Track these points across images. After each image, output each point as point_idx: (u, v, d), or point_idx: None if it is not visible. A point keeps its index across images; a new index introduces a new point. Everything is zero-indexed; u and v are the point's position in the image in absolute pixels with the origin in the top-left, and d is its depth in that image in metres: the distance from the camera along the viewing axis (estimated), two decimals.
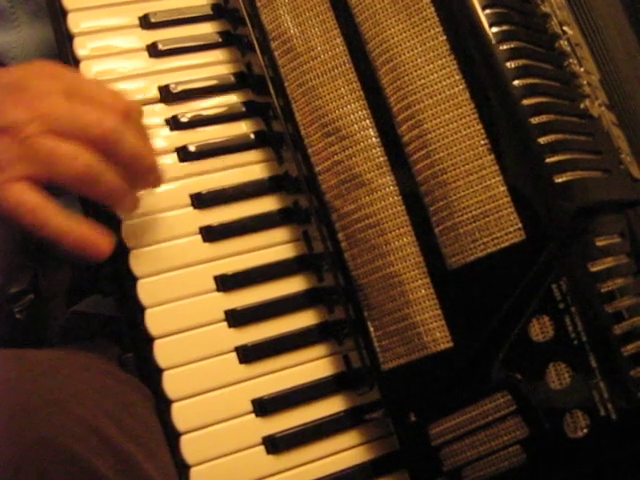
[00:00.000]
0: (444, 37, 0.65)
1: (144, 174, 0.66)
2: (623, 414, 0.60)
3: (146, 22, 0.75)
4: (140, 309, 0.68)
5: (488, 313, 0.63)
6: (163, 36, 0.75)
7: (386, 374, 0.66)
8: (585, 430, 0.61)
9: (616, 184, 0.66)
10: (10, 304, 0.78)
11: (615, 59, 0.77)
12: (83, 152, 0.62)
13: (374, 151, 0.67)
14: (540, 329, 0.62)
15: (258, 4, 0.71)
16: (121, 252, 0.68)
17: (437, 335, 0.64)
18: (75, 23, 0.73)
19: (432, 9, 0.65)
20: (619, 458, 0.62)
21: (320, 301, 0.71)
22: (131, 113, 0.64)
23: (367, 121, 0.67)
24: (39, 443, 0.55)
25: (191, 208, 0.71)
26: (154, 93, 0.73)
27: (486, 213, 0.63)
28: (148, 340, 0.67)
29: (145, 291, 0.68)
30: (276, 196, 0.73)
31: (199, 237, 0.70)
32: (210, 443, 0.67)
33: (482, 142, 0.63)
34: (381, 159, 0.67)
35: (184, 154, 0.72)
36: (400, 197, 0.66)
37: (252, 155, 0.74)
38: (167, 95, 0.73)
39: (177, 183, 0.71)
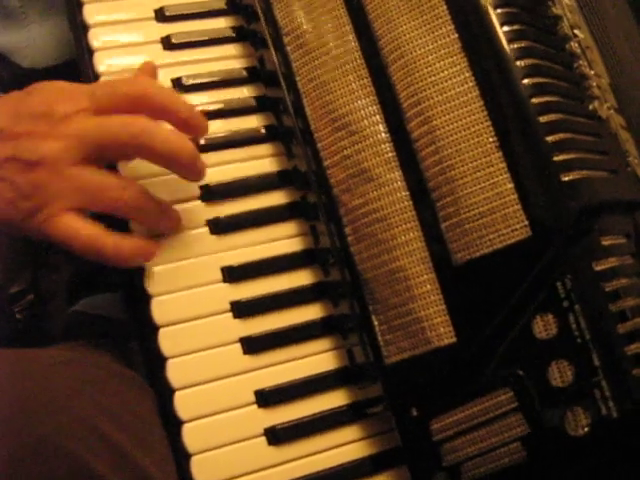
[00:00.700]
0: (455, 35, 0.66)
1: (187, 164, 0.67)
2: (624, 413, 0.60)
3: (161, 15, 0.76)
4: (146, 298, 0.68)
5: (492, 309, 0.64)
6: (177, 29, 0.75)
7: (389, 368, 0.66)
8: (586, 428, 0.61)
9: (622, 185, 0.67)
10: (10, 304, 0.79)
11: (624, 64, 0.77)
12: (130, 183, 0.66)
13: (383, 146, 0.67)
14: (543, 326, 0.62)
15: (272, 0, 0.72)
16: None
17: (441, 330, 0.65)
18: (91, 15, 0.74)
19: (444, 7, 0.66)
20: (619, 457, 0.62)
21: (325, 295, 0.71)
22: (150, 91, 0.66)
23: (377, 117, 0.68)
24: (38, 443, 0.55)
25: (199, 201, 0.72)
26: (167, 85, 0.74)
27: (493, 210, 0.63)
28: (153, 328, 0.68)
29: (152, 281, 0.69)
30: (284, 190, 0.73)
31: (207, 230, 0.71)
32: (211, 432, 0.67)
33: (490, 139, 0.64)
34: (390, 154, 0.67)
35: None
36: (408, 192, 0.66)
37: (262, 149, 0.74)
38: (179, 87, 0.74)
39: None
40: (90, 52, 0.73)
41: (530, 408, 0.62)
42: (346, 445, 0.69)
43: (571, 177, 0.63)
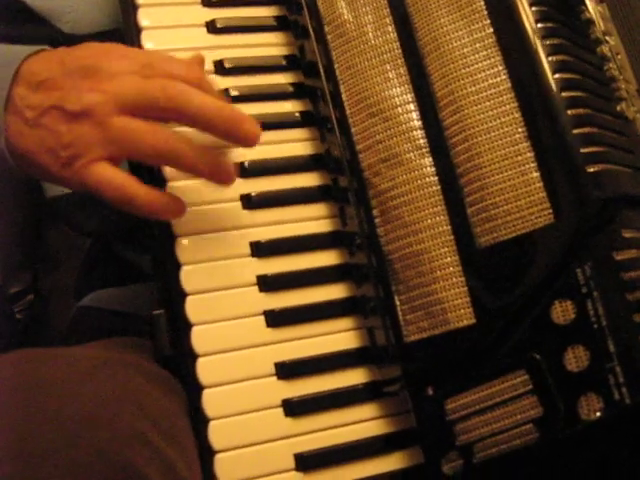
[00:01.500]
0: (491, 30, 0.68)
1: (228, 129, 0.67)
2: (637, 399, 0.62)
3: (207, 0, 0.79)
4: (176, 266, 0.70)
5: (512, 293, 0.65)
6: (222, 15, 0.78)
7: (408, 346, 0.68)
8: (598, 413, 0.62)
9: None
10: (10, 304, 0.81)
11: None
12: (160, 128, 0.66)
13: (415, 133, 0.70)
14: (562, 312, 0.64)
15: None
16: None
17: (461, 312, 0.66)
18: None
19: (482, 3, 0.69)
20: (630, 442, 0.63)
21: (349, 276, 0.73)
22: (202, 83, 0.68)
23: (411, 105, 0.70)
24: (99, 454, 0.55)
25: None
26: (209, 66, 0.76)
27: (518, 196, 0.65)
28: (181, 295, 0.70)
29: (182, 249, 0.71)
30: (316, 173, 0.76)
31: (239, 204, 0.73)
32: (230, 400, 0.68)
33: (519, 130, 0.66)
34: (421, 141, 0.69)
35: None
36: (436, 178, 0.68)
37: (296, 133, 0.76)
38: (220, 69, 0.76)
39: None
40: (138, 30, 0.76)
41: (545, 391, 0.64)
42: (361, 423, 0.71)
43: (596, 169, 0.65)
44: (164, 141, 0.65)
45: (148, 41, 0.75)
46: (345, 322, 0.73)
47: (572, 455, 0.65)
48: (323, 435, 0.70)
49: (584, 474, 0.69)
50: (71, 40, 0.74)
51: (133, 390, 0.62)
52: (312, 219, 0.74)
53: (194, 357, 0.68)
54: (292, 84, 0.78)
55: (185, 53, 0.76)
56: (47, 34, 0.70)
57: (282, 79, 0.78)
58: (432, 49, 0.70)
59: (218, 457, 0.67)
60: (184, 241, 0.71)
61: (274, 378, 0.70)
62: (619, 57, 0.74)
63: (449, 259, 0.67)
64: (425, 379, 0.67)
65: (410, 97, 0.70)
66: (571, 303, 0.64)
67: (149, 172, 0.71)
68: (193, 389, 0.68)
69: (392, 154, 0.70)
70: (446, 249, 0.67)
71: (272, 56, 0.79)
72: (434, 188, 0.68)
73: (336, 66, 0.73)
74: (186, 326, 0.69)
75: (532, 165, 0.65)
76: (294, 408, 0.69)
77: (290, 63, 0.79)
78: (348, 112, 0.72)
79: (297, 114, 0.77)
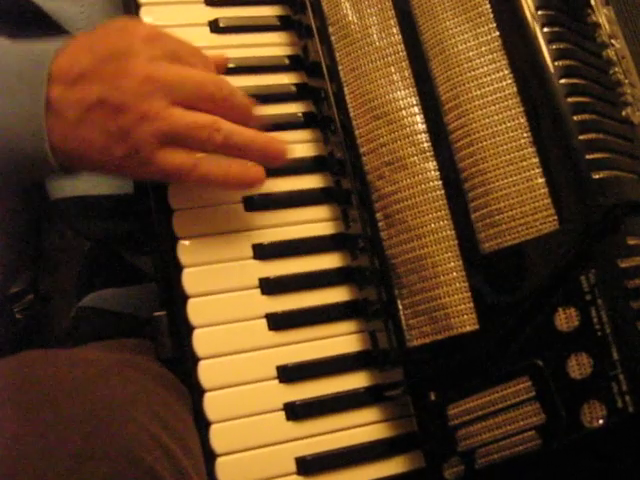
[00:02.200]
0: (497, 33, 0.68)
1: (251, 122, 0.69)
2: None
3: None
4: (178, 268, 0.70)
5: (516, 300, 0.65)
6: (225, 14, 0.78)
7: (410, 351, 0.68)
8: (601, 421, 0.62)
9: None
10: (10, 304, 0.80)
11: None
12: (218, 120, 0.66)
13: (419, 136, 0.69)
14: (565, 319, 0.64)
15: None
16: (164, 210, 0.71)
17: (464, 317, 0.66)
18: None
19: (487, 6, 0.68)
20: (633, 451, 0.63)
21: (352, 279, 0.73)
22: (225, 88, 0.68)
23: (415, 107, 0.70)
24: (121, 457, 0.55)
25: None
26: None
27: (523, 202, 0.65)
28: (182, 298, 0.69)
29: (185, 253, 0.70)
30: (319, 175, 0.75)
31: (241, 206, 0.73)
32: (232, 403, 0.68)
33: (525, 135, 0.66)
34: (425, 144, 0.69)
35: None
36: (440, 182, 0.68)
37: (299, 134, 0.76)
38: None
39: None
40: None
41: (547, 398, 0.64)
42: (362, 426, 0.71)
43: (601, 175, 0.64)
44: (223, 135, 0.65)
45: None
46: (347, 325, 0.72)
47: (574, 462, 0.65)
48: (324, 439, 0.70)
49: None
50: None
51: (145, 393, 0.62)
52: (315, 221, 0.74)
53: (196, 360, 0.68)
54: (295, 84, 0.78)
55: None
56: (59, 39, 0.68)
57: (285, 79, 0.78)
58: (437, 52, 0.69)
59: (219, 461, 0.67)
60: (186, 243, 0.70)
61: (276, 381, 0.70)
62: (624, 60, 0.73)
63: (452, 264, 0.67)
64: (427, 384, 0.67)
65: (414, 100, 0.70)
66: (575, 310, 0.64)
67: None
68: (194, 392, 0.68)
69: (396, 157, 0.69)
70: (450, 254, 0.67)
71: (275, 56, 0.78)
72: (438, 192, 0.68)
73: (340, 67, 0.73)
74: (188, 329, 0.69)
75: (537, 171, 0.65)
76: (296, 412, 0.69)
77: (293, 63, 0.78)
78: (352, 114, 0.72)
79: (300, 115, 0.77)
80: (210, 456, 0.67)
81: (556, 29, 0.67)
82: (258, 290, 0.71)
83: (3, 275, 0.78)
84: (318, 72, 0.75)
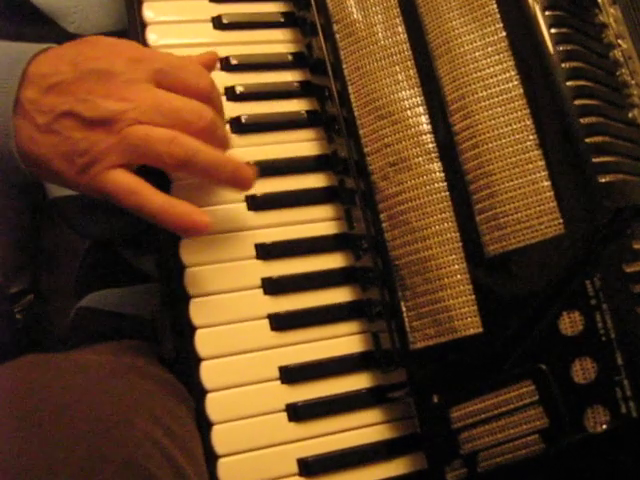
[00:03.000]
0: (504, 34, 0.67)
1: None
2: None
3: None
4: (180, 268, 0.69)
5: (520, 303, 0.65)
6: (228, 10, 0.77)
7: (414, 354, 0.67)
8: (605, 426, 0.62)
9: None
10: (10, 304, 0.80)
11: None
12: (178, 134, 0.65)
13: (424, 137, 0.69)
14: (570, 323, 0.63)
15: None
16: None
17: (468, 320, 0.66)
18: None
19: (494, 6, 0.68)
20: (636, 456, 0.63)
21: (355, 280, 0.72)
22: (212, 95, 0.67)
23: (420, 108, 0.69)
24: (124, 466, 0.54)
25: None
26: None
27: (528, 205, 0.65)
28: (185, 298, 0.69)
29: (188, 252, 0.70)
30: (322, 174, 0.75)
31: (244, 205, 0.72)
32: (234, 404, 0.68)
33: (531, 137, 0.65)
34: (430, 145, 0.68)
35: (236, 126, 0.74)
36: (445, 183, 0.68)
37: (302, 133, 0.76)
38: (226, 66, 0.75)
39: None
40: (143, 25, 0.74)
41: (551, 402, 0.63)
42: (365, 428, 0.70)
43: (608, 179, 0.64)
44: (184, 150, 0.64)
45: (152, 36, 0.74)
46: (350, 326, 0.72)
47: (577, 467, 0.65)
48: (326, 440, 0.69)
49: None
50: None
51: (145, 397, 0.62)
52: (318, 221, 0.74)
53: (197, 361, 0.68)
54: (299, 82, 0.77)
55: (190, 49, 0.75)
56: (52, 34, 0.68)
57: (289, 77, 0.77)
58: (443, 52, 0.69)
59: (221, 461, 0.66)
60: (188, 243, 0.70)
61: (278, 382, 0.69)
62: (631, 61, 0.73)
63: (457, 266, 0.67)
64: (430, 387, 0.67)
65: (420, 100, 0.69)
66: (580, 314, 0.63)
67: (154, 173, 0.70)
68: (197, 393, 0.68)
69: (400, 158, 0.69)
70: (454, 256, 0.67)
71: (279, 53, 0.77)
72: (443, 194, 0.68)
73: (344, 66, 0.72)
74: (190, 329, 0.68)
75: (543, 174, 0.65)
76: (298, 413, 0.69)
77: (297, 61, 0.77)
78: (356, 113, 0.71)
79: (304, 113, 0.76)
80: (212, 457, 0.66)
81: (563, 30, 0.67)
82: (260, 290, 0.71)
83: (3, 275, 0.77)
84: (322, 70, 0.74)
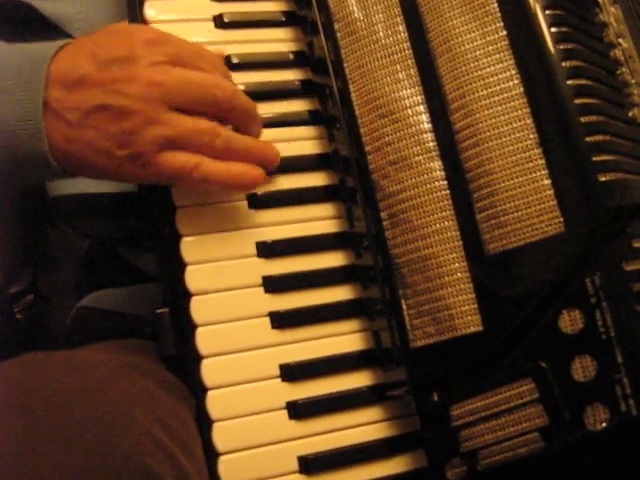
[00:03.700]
0: (504, 32, 0.67)
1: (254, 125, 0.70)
2: None
3: None
4: (181, 266, 0.70)
5: (520, 301, 0.65)
6: (230, 9, 0.77)
7: (414, 352, 0.67)
8: (604, 424, 0.62)
9: None
10: (10, 304, 0.80)
11: None
12: (217, 127, 0.66)
13: (425, 136, 0.69)
14: (570, 321, 0.64)
15: None
16: (168, 207, 0.70)
17: (468, 318, 0.66)
18: None
19: (495, 5, 0.68)
20: (636, 454, 0.63)
21: (355, 278, 0.73)
22: (228, 74, 0.68)
23: (421, 106, 0.69)
24: (124, 463, 0.55)
25: None
26: None
27: (528, 204, 0.65)
28: (186, 295, 0.69)
29: (189, 250, 0.70)
30: (323, 172, 0.75)
31: (245, 203, 0.72)
32: (235, 401, 0.68)
33: (531, 136, 0.65)
34: (431, 144, 0.69)
35: None
36: (445, 182, 0.68)
37: (303, 131, 0.75)
38: (228, 65, 0.75)
39: None
40: (144, 23, 0.74)
41: (551, 400, 0.64)
42: (365, 425, 0.71)
43: (608, 178, 0.64)
44: (224, 140, 0.66)
45: None
46: (350, 324, 0.72)
47: (577, 465, 0.65)
48: (327, 438, 0.70)
49: None
50: None
51: (145, 394, 0.62)
52: (319, 219, 0.74)
53: (199, 358, 0.68)
54: (300, 81, 0.77)
55: None
56: (57, 40, 0.68)
57: (290, 75, 0.77)
58: (444, 50, 0.69)
59: (222, 459, 0.67)
60: (189, 240, 0.70)
61: (279, 380, 0.70)
62: (631, 60, 0.73)
63: (457, 265, 0.67)
64: (431, 385, 0.67)
65: (420, 99, 0.69)
66: (579, 313, 0.63)
67: None
68: (197, 391, 0.68)
69: (401, 157, 0.69)
70: (454, 255, 0.67)
71: (280, 52, 0.77)
72: (443, 192, 0.68)
73: (345, 65, 0.72)
74: (191, 327, 0.69)
75: (543, 172, 0.65)
76: (298, 410, 0.69)
77: (298, 59, 0.77)
78: (357, 112, 0.71)
79: (305, 112, 0.76)
80: (212, 455, 0.67)
81: (564, 29, 0.67)
82: (261, 288, 0.71)
83: (3, 275, 0.77)
84: (323, 69, 0.74)
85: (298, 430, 0.69)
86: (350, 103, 0.71)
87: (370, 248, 0.70)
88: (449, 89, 0.68)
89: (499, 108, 0.66)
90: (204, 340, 0.68)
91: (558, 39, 0.66)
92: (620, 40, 0.72)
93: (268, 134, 0.74)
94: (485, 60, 0.67)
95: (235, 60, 0.76)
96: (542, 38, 0.67)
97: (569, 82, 0.66)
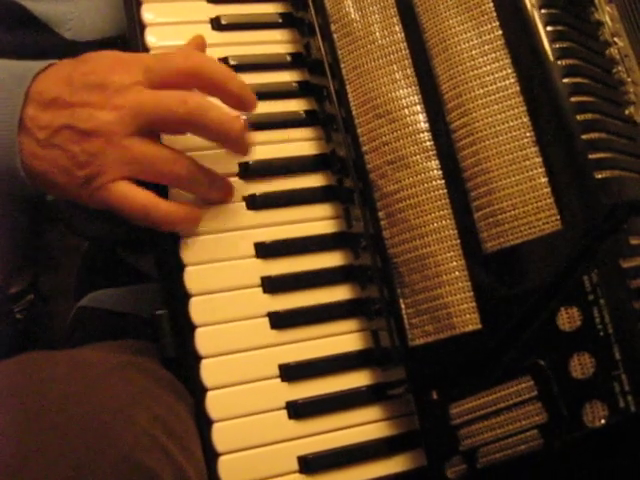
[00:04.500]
0: (500, 32, 0.67)
1: (236, 141, 0.70)
2: None
3: None
4: (180, 266, 0.70)
5: (518, 299, 0.65)
6: (227, 11, 0.77)
7: (413, 351, 0.68)
8: (603, 420, 0.62)
9: None
10: (10, 304, 0.80)
11: None
12: (181, 156, 0.67)
13: (422, 135, 0.69)
14: (568, 318, 0.64)
15: None
16: None
17: (467, 316, 0.66)
18: None
19: (490, 4, 0.68)
20: (635, 450, 0.63)
21: (354, 278, 0.73)
22: (203, 65, 0.68)
23: (418, 106, 0.69)
24: (122, 461, 0.55)
25: (237, 178, 0.73)
26: None
27: (525, 202, 0.65)
28: (185, 296, 0.69)
29: (187, 250, 0.70)
30: (321, 173, 0.75)
31: (243, 204, 0.73)
32: (234, 402, 0.68)
33: (528, 134, 0.66)
34: (428, 143, 0.69)
35: None
36: (443, 181, 0.68)
37: (301, 132, 0.76)
38: None
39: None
40: (142, 27, 0.75)
41: (549, 398, 0.64)
42: (365, 425, 0.71)
43: (604, 175, 0.64)
44: (182, 169, 0.67)
45: (151, 38, 0.74)
46: (349, 324, 0.72)
47: (576, 462, 0.65)
48: (327, 437, 0.70)
49: None
50: (73, 47, 0.74)
51: (144, 393, 0.62)
52: (317, 220, 0.74)
53: (198, 359, 0.68)
54: (297, 82, 0.77)
55: None
56: (49, 41, 0.69)
57: (287, 77, 0.78)
58: (440, 50, 0.69)
59: (222, 459, 0.67)
60: (188, 241, 0.70)
61: (278, 380, 0.70)
62: (627, 59, 0.73)
63: (455, 263, 0.67)
64: (429, 383, 0.67)
65: (417, 99, 0.70)
66: (577, 310, 0.64)
67: None
68: (197, 391, 0.68)
69: (398, 156, 0.69)
70: (452, 253, 0.67)
71: (277, 54, 0.78)
72: (440, 192, 0.68)
73: (342, 65, 0.72)
74: (190, 327, 0.69)
75: (540, 170, 0.65)
76: (298, 410, 0.69)
77: (295, 61, 0.78)
78: (354, 112, 0.71)
79: (302, 113, 0.76)
80: (212, 455, 0.67)
81: (559, 28, 0.67)
82: (260, 289, 0.71)
83: (3, 275, 0.78)
84: (320, 70, 0.74)
85: (298, 430, 0.69)
86: (347, 104, 0.72)
87: (368, 248, 0.70)
88: (445, 88, 0.69)
89: (495, 107, 0.67)
90: (203, 340, 0.69)
91: (554, 38, 0.67)
92: (616, 39, 0.73)
93: (266, 135, 0.75)
94: (481, 59, 0.68)
95: (233, 62, 0.76)
96: (538, 37, 0.67)
97: (565, 80, 0.66)
